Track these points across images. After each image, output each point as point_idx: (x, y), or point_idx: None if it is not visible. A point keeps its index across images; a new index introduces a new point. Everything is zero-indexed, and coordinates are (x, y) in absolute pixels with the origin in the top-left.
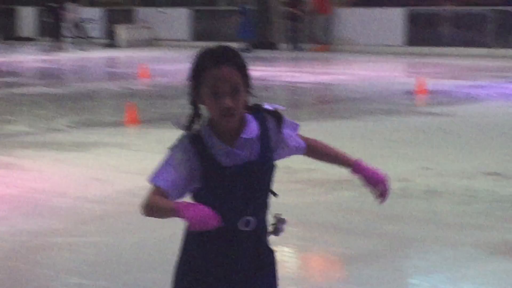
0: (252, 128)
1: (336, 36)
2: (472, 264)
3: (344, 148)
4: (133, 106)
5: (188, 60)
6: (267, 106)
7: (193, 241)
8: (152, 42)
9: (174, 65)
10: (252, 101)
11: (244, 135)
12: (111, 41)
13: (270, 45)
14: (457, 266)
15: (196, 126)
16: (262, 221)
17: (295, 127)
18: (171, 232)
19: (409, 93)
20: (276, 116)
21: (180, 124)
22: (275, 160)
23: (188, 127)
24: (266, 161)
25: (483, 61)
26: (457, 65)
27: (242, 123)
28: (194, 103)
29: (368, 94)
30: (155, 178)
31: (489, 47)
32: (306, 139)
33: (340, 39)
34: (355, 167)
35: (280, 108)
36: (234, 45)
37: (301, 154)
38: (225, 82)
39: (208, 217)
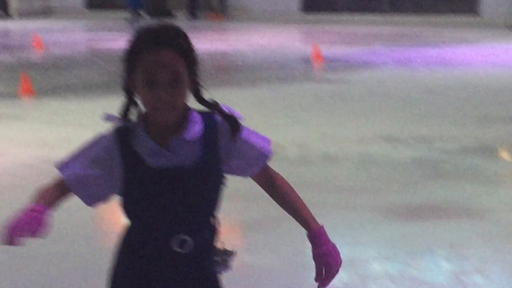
0: (195, 128)
1: (231, 5)
2: (371, 227)
3: (242, 115)
4: (28, 77)
5: (82, 29)
6: (223, 107)
7: (122, 261)
8: (45, 11)
9: (68, 35)
10: (207, 97)
11: (180, 134)
12: (3, 12)
13: (167, 13)
14: (355, 230)
15: (131, 118)
16: (203, 245)
17: (263, 140)
18: (67, 205)
19: (306, 60)
20: (231, 121)
21: (111, 117)
22: (226, 172)
23: (121, 119)
24: (207, 170)
25: (378, 28)
26: (352, 31)
27: (183, 121)
28: (128, 91)
29: (265, 62)
30: (61, 165)
31: (384, 13)
32: (272, 172)
33: (236, 7)
34: (312, 234)
35: (238, 115)
36: (129, 14)
37: (258, 170)
38: (163, 69)
39: (27, 222)
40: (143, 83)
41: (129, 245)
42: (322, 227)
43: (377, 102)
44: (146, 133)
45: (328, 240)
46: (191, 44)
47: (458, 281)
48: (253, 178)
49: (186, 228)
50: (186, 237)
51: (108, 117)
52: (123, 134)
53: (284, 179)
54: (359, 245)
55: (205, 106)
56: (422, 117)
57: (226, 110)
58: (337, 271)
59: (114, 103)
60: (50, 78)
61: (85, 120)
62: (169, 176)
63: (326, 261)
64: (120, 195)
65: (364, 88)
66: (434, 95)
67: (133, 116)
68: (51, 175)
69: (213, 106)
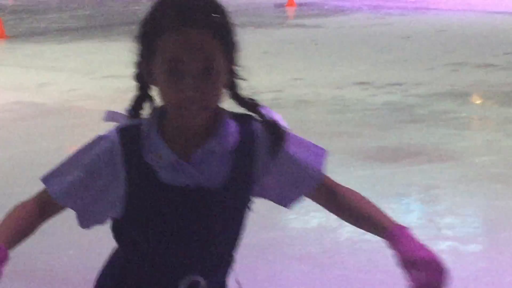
0: (227, 137)
1: None
2: (345, 170)
3: None
4: (0, 21)
5: None
6: (264, 110)
7: None
8: None
9: None
10: (242, 92)
11: (209, 144)
12: None
13: None
14: (329, 173)
15: (142, 115)
16: (218, 286)
17: (315, 153)
18: (45, 145)
19: (279, 5)
20: (273, 130)
21: (115, 115)
22: (258, 195)
23: (129, 115)
24: (236, 192)
25: None
26: None
27: (213, 126)
28: (142, 80)
29: (239, 7)
30: (47, 178)
31: None
32: (329, 184)
33: None
34: (389, 234)
35: (281, 121)
36: None
37: (308, 194)
38: (193, 55)
39: None
40: (165, 72)
41: (119, 284)
42: (402, 226)
43: (351, 48)
44: (162, 139)
45: (412, 237)
46: (231, 22)
47: (431, 223)
48: (305, 195)
49: (200, 267)
50: (199, 278)
51: (111, 115)
52: (130, 137)
53: (348, 188)
54: None
55: (241, 106)
56: (396, 62)
57: (266, 113)
58: (440, 266)
59: (88, 47)
60: (23, 22)
61: (59, 64)
62: (187, 198)
63: (420, 258)
64: (117, 216)
65: (338, 34)
66: (407, 41)
67: (145, 114)
68: (29, 117)
69: (252, 107)
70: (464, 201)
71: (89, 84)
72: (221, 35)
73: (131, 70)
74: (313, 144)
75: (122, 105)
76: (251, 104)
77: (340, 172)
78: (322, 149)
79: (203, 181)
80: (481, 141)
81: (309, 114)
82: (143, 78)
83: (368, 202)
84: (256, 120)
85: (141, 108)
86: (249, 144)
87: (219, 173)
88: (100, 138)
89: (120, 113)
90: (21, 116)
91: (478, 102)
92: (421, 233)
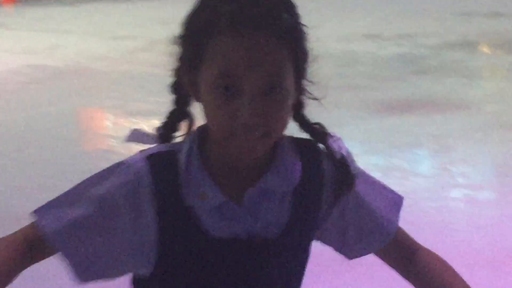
0: (290, 171)
1: None
2: (357, 123)
3: None
4: None
5: None
6: (335, 143)
7: None
8: None
9: None
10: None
11: (265, 182)
12: None
13: None
14: (342, 127)
15: (176, 139)
16: None
17: (394, 200)
18: (58, 107)
19: None
20: (343, 170)
21: (142, 136)
22: (318, 239)
23: (160, 138)
24: (297, 240)
25: None
26: None
27: (272, 156)
28: (181, 93)
29: None
30: (41, 209)
31: None
32: (406, 243)
33: None
34: None
35: (349, 156)
36: None
37: (377, 248)
38: (254, 67)
39: None
40: (215, 88)
41: None
42: None
43: (359, 0)
44: (207, 173)
45: None
46: (301, 24)
47: (446, 170)
48: (374, 251)
49: None
50: None
51: (135, 136)
52: (164, 168)
53: (428, 250)
54: (346, 141)
55: (306, 131)
56: (404, 14)
57: (335, 145)
58: None
59: (98, 9)
60: None
61: (69, 26)
62: (238, 252)
63: None
64: (142, 272)
65: None
66: None
67: (179, 137)
68: (40, 80)
69: (320, 137)
70: (477, 150)
71: (100, 45)
72: (292, 43)
73: (141, 30)
74: (389, 189)
75: (134, 66)
76: (319, 133)
77: (352, 125)
78: (399, 196)
79: (258, 230)
80: (492, 90)
81: (319, 68)
82: (183, 90)
83: (454, 275)
84: (322, 150)
85: (176, 129)
86: (314, 181)
87: (278, 218)
88: (121, 166)
89: (149, 134)
90: (33, 79)
91: (487, 51)
92: (435, 182)
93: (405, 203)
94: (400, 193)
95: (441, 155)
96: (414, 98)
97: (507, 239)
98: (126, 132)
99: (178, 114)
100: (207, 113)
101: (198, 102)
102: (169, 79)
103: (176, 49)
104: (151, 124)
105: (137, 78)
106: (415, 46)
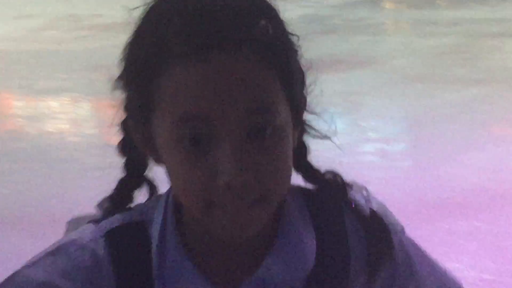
0: (299, 251)
1: None
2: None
3: None
4: None
5: None
6: (361, 198)
7: None
8: None
9: None
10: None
11: (264, 270)
12: None
13: None
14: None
15: (146, 206)
16: None
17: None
18: None
19: None
20: (375, 225)
21: (82, 221)
22: None
23: (114, 208)
24: None
25: None
26: None
27: (272, 230)
28: (133, 154)
29: None
30: None
31: None
32: None
33: None
34: None
35: (383, 207)
36: None
37: None
38: (230, 100)
39: None
40: (176, 139)
41: None
42: None
43: None
44: (187, 257)
45: None
46: (288, 33)
47: (357, 126)
48: None
49: None
50: None
51: (76, 221)
52: (129, 246)
53: None
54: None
55: (314, 185)
56: None
57: (360, 198)
58: None
59: None
60: None
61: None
62: None
63: None
64: None
65: None
66: None
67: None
68: None
69: (336, 189)
70: (387, 104)
71: (2, 25)
72: (278, 59)
73: (44, 8)
74: (438, 266)
75: (38, 44)
76: (336, 186)
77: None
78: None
79: None
80: (397, 45)
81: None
82: (136, 150)
83: None
84: (343, 206)
85: (129, 201)
86: (336, 259)
87: None
88: (64, 249)
89: (90, 215)
90: None
91: (390, 7)
92: (348, 138)
93: (319, 162)
94: (313, 151)
95: (352, 112)
96: (322, 58)
97: (419, 189)
98: (34, 111)
99: (131, 182)
100: (173, 180)
101: (158, 165)
102: (74, 54)
103: (118, 92)
104: (59, 101)
105: (42, 56)
106: (319, 7)
